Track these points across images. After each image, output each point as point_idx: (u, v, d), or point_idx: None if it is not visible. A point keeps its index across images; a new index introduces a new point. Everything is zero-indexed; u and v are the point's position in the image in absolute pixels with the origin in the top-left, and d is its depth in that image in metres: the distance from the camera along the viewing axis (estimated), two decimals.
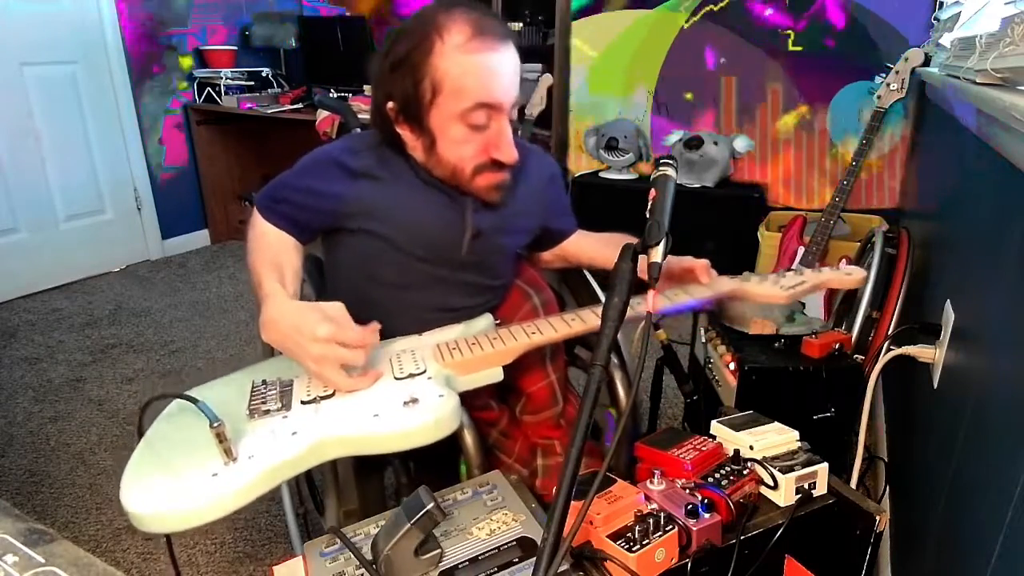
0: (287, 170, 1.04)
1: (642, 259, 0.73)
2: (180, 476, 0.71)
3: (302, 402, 0.82)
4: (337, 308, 0.86)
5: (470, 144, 0.96)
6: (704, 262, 1.06)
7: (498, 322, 1.05)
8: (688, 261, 1.06)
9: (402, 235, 1.01)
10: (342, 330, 0.83)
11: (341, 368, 0.83)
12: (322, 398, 0.82)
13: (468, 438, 0.94)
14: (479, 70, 0.92)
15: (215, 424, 0.71)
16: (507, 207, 1.06)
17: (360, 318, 0.89)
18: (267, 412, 0.80)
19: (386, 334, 0.99)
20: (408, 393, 0.82)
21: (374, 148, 1.03)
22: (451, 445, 0.93)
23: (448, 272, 1.05)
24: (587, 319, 0.96)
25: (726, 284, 1.04)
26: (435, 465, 1.10)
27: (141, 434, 0.79)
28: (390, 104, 0.96)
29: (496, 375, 0.92)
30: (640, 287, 0.73)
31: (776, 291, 1.03)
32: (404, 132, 0.99)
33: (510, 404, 1.13)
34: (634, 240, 1.17)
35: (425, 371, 0.87)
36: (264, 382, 0.87)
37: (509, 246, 1.12)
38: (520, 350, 0.93)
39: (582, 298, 1.28)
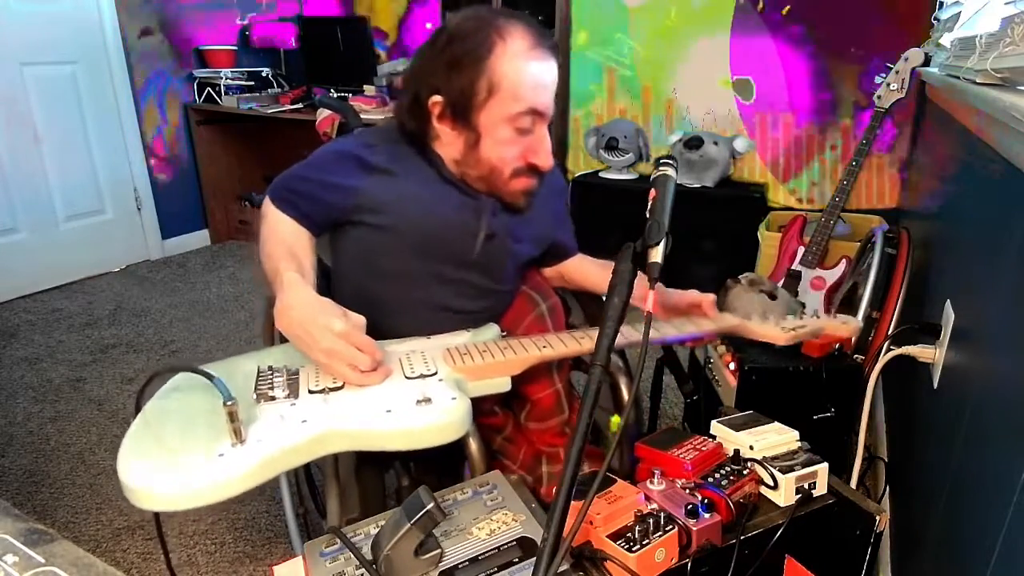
0: (301, 162, 1.05)
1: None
2: (186, 455, 0.70)
3: (310, 391, 0.82)
4: (359, 317, 0.86)
5: (513, 147, 0.99)
6: (711, 297, 1.09)
7: (504, 333, 1.05)
8: (694, 296, 1.09)
9: (412, 229, 1.02)
10: (357, 331, 0.84)
11: (349, 365, 0.83)
12: (331, 389, 0.82)
13: (472, 444, 0.94)
14: (536, 77, 0.96)
15: (229, 402, 0.69)
16: (522, 213, 1.08)
17: (366, 314, 0.89)
18: (273, 398, 0.80)
19: (391, 333, 0.99)
20: (421, 392, 0.81)
21: (390, 143, 1.04)
22: (454, 449, 0.92)
23: (455, 271, 1.05)
24: (596, 337, 0.97)
25: (730, 320, 1.08)
26: (436, 467, 1.10)
27: (139, 408, 0.77)
28: (436, 98, 0.98)
29: (504, 384, 0.92)
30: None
31: (777, 332, 1.06)
32: (444, 128, 1.00)
33: (515, 410, 1.13)
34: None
35: (436, 373, 0.87)
36: (270, 368, 0.86)
37: (519, 252, 1.12)
38: (530, 362, 0.93)
39: (589, 308, 1.28)
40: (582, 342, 0.96)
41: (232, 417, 0.70)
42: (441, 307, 1.06)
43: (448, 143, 1.01)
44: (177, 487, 0.67)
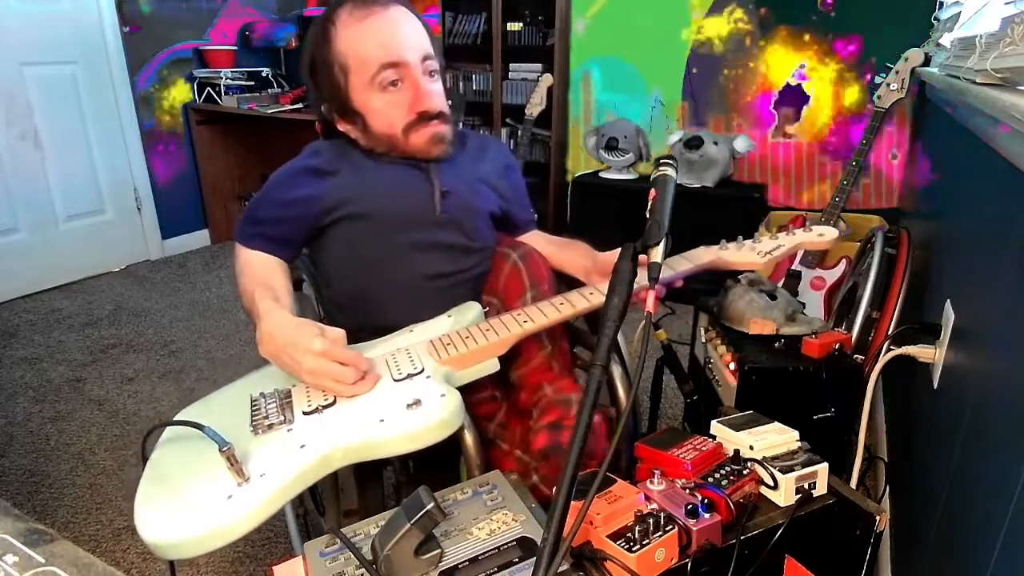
0: (256, 195, 1.10)
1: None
2: (196, 502, 0.71)
3: (304, 413, 0.82)
4: (337, 331, 0.87)
5: (393, 109, 1.03)
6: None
7: (487, 308, 1.05)
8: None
9: (377, 210, 1.05)
10: (336, 347, 0.84)
11: (335, 381, 0.83)
12: (324, 407, 0.82)
13: (468, 438, 0.94)
14: (370, 34, 1.00)
15: (224, 448, 0.71)
16: (467, 169, 1.12)
17: (360, 310, 0.90)
18: (271, 426, 0.80)
19: (387, 320, 1.01)
20: (411, 395, 0.82)
21: (332, 148, 1.10)
22: (451, 444, 0.93)
23: (430, 234, 1.07)
24: (576, 303, 0.96)
25: (705, 255, 1.05)
26: (435, 465, 1.09)
27: (145, 459, 0.79)
28: (324, 107, 1.06)
29: (492, 366, 0.92)
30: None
31: (754, 257, 1.05)
32: (344, 126, 1.07)
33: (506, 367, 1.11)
34: (588, 248, 1.19)
35: (423, 370, 0.87)
36: (262, 395, 0.87)
37: (480, 207, 1.14)
38: (513, 340, 0.93)
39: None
40: (561, 308, 0.96)
41: (231, 461, 0.72)
42: (429, 275, 1.08)
43: (355, 136, 1.08)
44: (194, 534, 0.68)
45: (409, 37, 1.02)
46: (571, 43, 3.05)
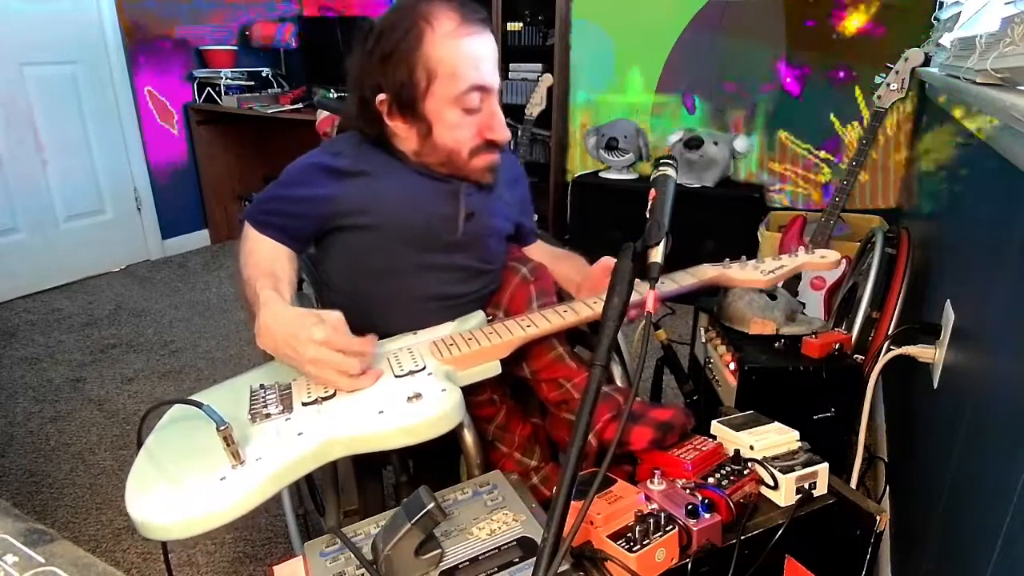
0: (273, 182, 1.07)
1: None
2: (187, 482, 0.71)
3: (303, 404, 0.82)
4: (335, 316, 0.86)
5: (465, 128, 1.00)
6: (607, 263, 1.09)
7: (491, 318, 1.04)
8: (601, 265, 1.10)
9: (395, 224, 1.03)
10: (339, 335, 0.83)
11: (338, 372, 0.83)
12: (323, 399, 0.82)
13: (468, 437, 0.94)
14: (471, 54, 0.97)
15: (222, 427, 0.70)
16: (493, 189, 1.10)
17: (360, 316, 0.88)
18: (268, 415, 0.80)
19: (388, 329, 1.00)
20: (411, 389, 0.82)
21: (355, 147, 1.06)
22: (451, 444, 0.93)
23: (443, 257, 1.06)
24: (580, 310, 0.97)
25: (709, 271, 1.07)
26: (435, 465, 1.09)
27: (140, 443, 0.78)
28: (381, 97, 0.99)
29: (494, 369, 0.92)
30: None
31: (757, 276, 1.06)
32: (396, 124, 1.02)
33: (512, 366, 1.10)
34: (583, 263, 1.19)
35: (425, 368, 0.87)
36: (262, 386, 0.87)
37: (499, 228, 1.13)
38: (515, 344, 0.93)
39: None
40: (565, 316, 0.96)
41: (227, 441, 0.71)
42: (435, 296, 1.06)
43: (404, 137, 1.03)
44: (183, 515, 0.68)
45: (496, 64, 1.01)
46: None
